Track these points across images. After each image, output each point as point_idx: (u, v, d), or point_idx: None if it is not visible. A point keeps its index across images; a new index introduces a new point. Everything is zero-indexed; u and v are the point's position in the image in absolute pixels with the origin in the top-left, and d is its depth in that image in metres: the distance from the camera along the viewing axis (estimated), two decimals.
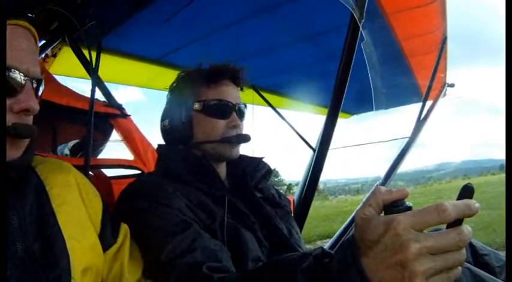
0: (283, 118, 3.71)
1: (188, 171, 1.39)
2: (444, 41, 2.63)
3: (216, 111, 1.45)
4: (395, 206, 0.68)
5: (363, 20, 1.54)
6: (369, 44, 1.72)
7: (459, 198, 0.68)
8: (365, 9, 1.57)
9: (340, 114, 4.50)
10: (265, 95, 3.59)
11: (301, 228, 2.25)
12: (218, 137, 1.44)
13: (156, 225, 1.16)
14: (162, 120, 1.52)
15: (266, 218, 1.41)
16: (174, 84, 1.57)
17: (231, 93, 1.49)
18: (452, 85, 3.44)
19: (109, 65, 2.53)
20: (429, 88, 3.02)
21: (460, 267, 0.64)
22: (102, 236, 1.03)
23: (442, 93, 3.38)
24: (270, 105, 3.66)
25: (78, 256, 0.91)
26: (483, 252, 1.43)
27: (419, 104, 3.27)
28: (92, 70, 1.86)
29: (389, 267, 0.63)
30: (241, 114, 1.50)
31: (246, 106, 1.53)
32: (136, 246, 1.14)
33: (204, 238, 1.15)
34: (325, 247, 1.50)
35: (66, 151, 2.12)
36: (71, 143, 2.14)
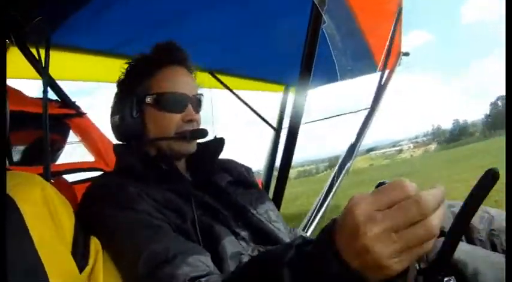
0: (242, 100, 3.69)
1: (146, 170, 1.31)
2: (399, 11, 2.65)
3: (169, 104, 1.35)
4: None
5: (325, 7, 1.51)
6: (330, 26, 1.70)
7: (480, 182, 0.65)
8: None
9: (293, 89, 4.59)
10: (222, 78, 3.54)
11: (278, 207, 2.24)
12: (172, 133, 1.35)
13: (125, 233, 1.10)
14: (112, 115, 1.40)
15: (238, 207, 1.36)
16: (122, 76, 1.45)
17: (186, 83, 1.40)
18: (407, 54, 3.50)
19: (60, 62, 2.36)
20: (387, 57, 3.04)
21: (432, 240, 0.59)
22: (74, 256, 0.95)
23: (398, 62, 3.43)
24: (227, 88, 3.63)
25: None
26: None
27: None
28: (42, 69, 1.74)
29: (357, 253, 0.59)
30: (198, 106, 1.42)
31: (203, 95, 1.45)
32: (109, 259, 1.07)
33: (179, 242, 1.10)
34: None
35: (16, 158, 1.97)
36: (20, 148, 1.98)
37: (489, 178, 0.70)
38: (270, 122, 4.32)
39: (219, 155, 1.50)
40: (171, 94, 1.35)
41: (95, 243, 1.05)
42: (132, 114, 1.35)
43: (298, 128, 2.23)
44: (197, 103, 1.42)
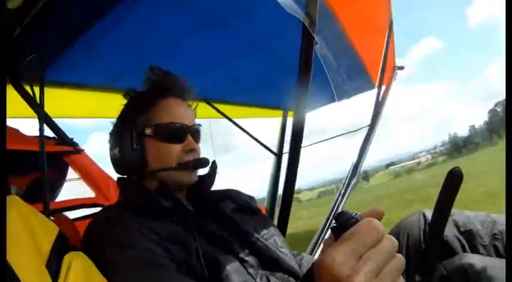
0: (240, 127, 3.70)
1: (148, 203, 1.29)
2: (391, 25, 2.67)
3: (169, 135, 1.35)
4: (343, 224, 0.63)
5: (315, 28, 1.52)
6: (322, 47, 1.70)
7: (446, 183, 0.65)
8: (317, 17, 1.55)
9: (291, 113, 4.62)
10: (219, 106, 3.55)
11: (284, 233, 2.20)
12: (174, 164, 1.34)
13: (127, 272, 1.06)
14: (111, 149, 1.39)
15: (244, 234, 1.33)
16: (122, 109, 1.45)
17: (184, 113, 1.40)
18: (401, 68, 3.51)
19: (55, 99, 2.38)
20: (382, 73, 3.05)
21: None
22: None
23: (394, 76, 3.44)
24: (225, 116, 3.64)
25: None
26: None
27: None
28: (37, 107, 1.74)
29: None
30: (197, 136, 1.41)
31: (201, 125, 1.44)
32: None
33: (184, 281, 1.07)
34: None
35: None
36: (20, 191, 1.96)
37: (453, 178, 0.69)
38: (270, 148, 4.33)
39: (215, 176, 1.49)
40: (170, 125, 1.35)
41: (68, 260, 0.95)
42: (132, 147, 1.34)
43: (299, 152, 2.22)
44: (196, 133, 1.41)
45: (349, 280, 0.55)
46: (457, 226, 1.32)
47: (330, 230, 0.63)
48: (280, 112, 4.64)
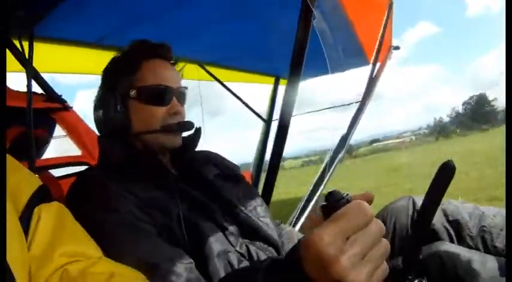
0: (231, 91, 3.68)
1: (131, 165, 1.29)
2: (390, 6, 2.64)
3: (154, 97, 1.32)
4: (334, 203, 0.64)
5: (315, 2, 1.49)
6: (320, 20, 1.68)
7: (438, 175, 0.66)
8: None
9: (282, 81, 4.61)
10: (210, 69, 3.51)
11: (269, 199, 2.23)
12: (158, 126, 1.32)
13: (108, 236, 1.06)
14: (95, 110, 1.37)
15: (226, 202, 1.34)
16: (106, 69, 1.42)
17: (169, 75, 1.37)
18: (397, 48, 3.49)
19: (43, 54, 2.32)
20: (378, 51, 3.03)
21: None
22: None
23: (389, 55, 3.43)
24: (216, 79, 3.61)
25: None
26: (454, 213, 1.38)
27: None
28: (25, 62, 1.70)
29: None
30: (182, 99, 1.39)
31: (187, 88, 1.42)
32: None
33: (163, 248, 1.09)
34: None
35: None
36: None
37: (446, 170, 0.71)
38: (260, 114, 4.32)
39: (198, 140, 1.47)
40: (155, 87, 1.32)
41: (38, 212, 0.92)
42: (116, 109, 1.32)
43: (289, 120, 2.22)
44: (181, 96, 1.39)
45: (335, 260, 0.56)
46: (445, 215, 1.33)
47: (319, 208, 0.64)
48: (272, 79, 4.61)
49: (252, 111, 4.19)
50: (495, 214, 1.30)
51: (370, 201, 0.67)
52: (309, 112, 4.06)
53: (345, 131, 3.39)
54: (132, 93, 1.32)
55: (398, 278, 0.98)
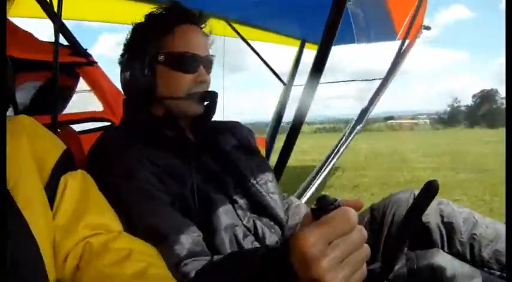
0: (254, 51, 3.65)
1: (151, 129, 1.33)
2: None
3: (181, 65, 1.33)
4: (323, 208, 0.67)
5: None
6: None
7: (422, 194, 0.77)
8: None
9: (309, 45, 4.53)
10: (236, 26, 3.49)
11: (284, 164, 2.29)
12: (183, 93, 1.34)
13: (123, 203, 1.11)
14: (122, 71, 1.38)
15: (239, 174, 1.38)
16: (135, 30, 1.41)
17: (199, 43, 1.37)
18: (428, 27, 3.40)
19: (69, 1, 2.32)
20: (409, 27, 2.96)
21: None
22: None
23: (419, 34, 3.35)
24: (242, 38, 3.58)
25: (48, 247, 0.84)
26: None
27: None
28: (54, 15, 1.69)
29: (311, 280, 0.63)
30: (209, 67, 1.40)
31: (214, 56, 1.43)
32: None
33: (175, 218, 1.14)
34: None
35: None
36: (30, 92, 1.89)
37: (430, 189, 0.79)
38: (281, 77, 4.28)
39: (215, 107, 1.48)
40: (184, 54, 1.33)
41: (64, 180, 0.96)
42: (143, 72, 1.33)
43: (316, 85, 2.21)
44: (209, 64, 1.40)
45: (316, 261, 0.61)
46: (441, 216, 1.35)
47: (310, 210, 0.69)
48: (298, 42, 4.54)
49: (274, 74, 4.16)
50: (488, 225, 1.32)
51: (358, 208, 0.70)
52: (337, 82, 4.03)
53: (365, 102, 3.36)
54: (161, 57, 1.34)
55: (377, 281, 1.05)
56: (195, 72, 1.35)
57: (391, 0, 2.76)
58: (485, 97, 71.12)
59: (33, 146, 0.91)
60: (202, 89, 1.37)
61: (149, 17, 1.41)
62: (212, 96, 1.41)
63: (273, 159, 2.46)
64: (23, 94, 1.82)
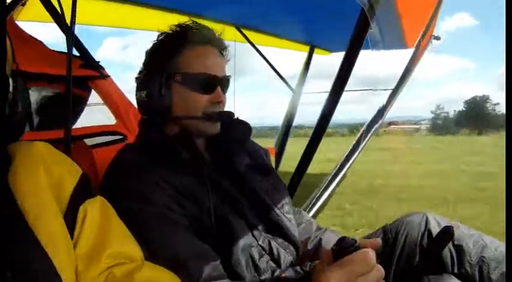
0: (263, 57, 3.65)
1: (167, 148, 1.33)
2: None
3: (199, 85, 1.34)
4: (343, 249, 0.76)
5: None
6: None
7: (438, 238, 0.94)
8: None
9: (318, 50, 4.52)
10: (247, 33, 3.51)
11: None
12: (199, 113, 1.35)
13: (141, 228, 1.09)
14: (138, 90, 1.39)
15: (256, 196, 1.38)
16: (153, 49, 1.42)
17: (217, 64, 1.39)
18: (438, 38, 3.38)
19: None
20: (422, 38, 2.95)
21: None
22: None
23: (429, 44, 3.35)
24: (251, 43, 3.58)
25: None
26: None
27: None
28: (66, 27, 1.64)
29: None
30: (225, 87, 1.42)
31: (230, 76, 1.43)
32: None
33: (194, 243, 1.15)
34: None
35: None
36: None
37: (446, 235, 0.92)
38: (289, 84, 4.26)
39: (247, 141, 1.52)
40: (202, 75, 1.34)
41: (84, 209, 0.94)
42: (160, 91, 1.33)
43: (340, 93, 2.23)
44: (225, 84, 1.41)
45: None
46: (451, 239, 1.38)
47: (330, 250, 0.78)
48: (307, 47, 4.52)
49: (282, 79, 4.14)
50: (497, 247, 1.37)
51: (376, 248, 0.78)
52: (352, 90, 4.01)
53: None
54: (178, 77, 1.34)
55: None
56: (212, 92, 1.36)
57: (402, 8, 2.74)
58: (476, 103, 71.31)
59: (49, 173, 0.90)
60: (219, 109, 1.38)
61: (168, 36, 1.42)
62: (228, 117, 1.41)
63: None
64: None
